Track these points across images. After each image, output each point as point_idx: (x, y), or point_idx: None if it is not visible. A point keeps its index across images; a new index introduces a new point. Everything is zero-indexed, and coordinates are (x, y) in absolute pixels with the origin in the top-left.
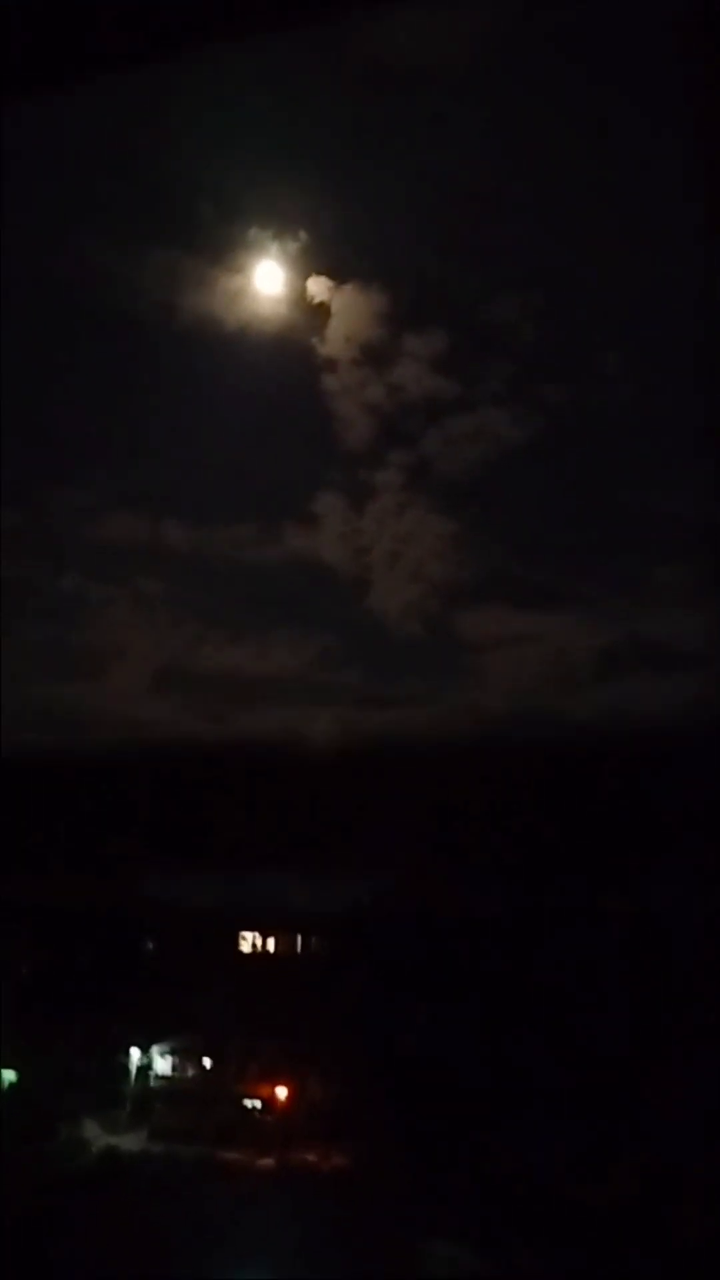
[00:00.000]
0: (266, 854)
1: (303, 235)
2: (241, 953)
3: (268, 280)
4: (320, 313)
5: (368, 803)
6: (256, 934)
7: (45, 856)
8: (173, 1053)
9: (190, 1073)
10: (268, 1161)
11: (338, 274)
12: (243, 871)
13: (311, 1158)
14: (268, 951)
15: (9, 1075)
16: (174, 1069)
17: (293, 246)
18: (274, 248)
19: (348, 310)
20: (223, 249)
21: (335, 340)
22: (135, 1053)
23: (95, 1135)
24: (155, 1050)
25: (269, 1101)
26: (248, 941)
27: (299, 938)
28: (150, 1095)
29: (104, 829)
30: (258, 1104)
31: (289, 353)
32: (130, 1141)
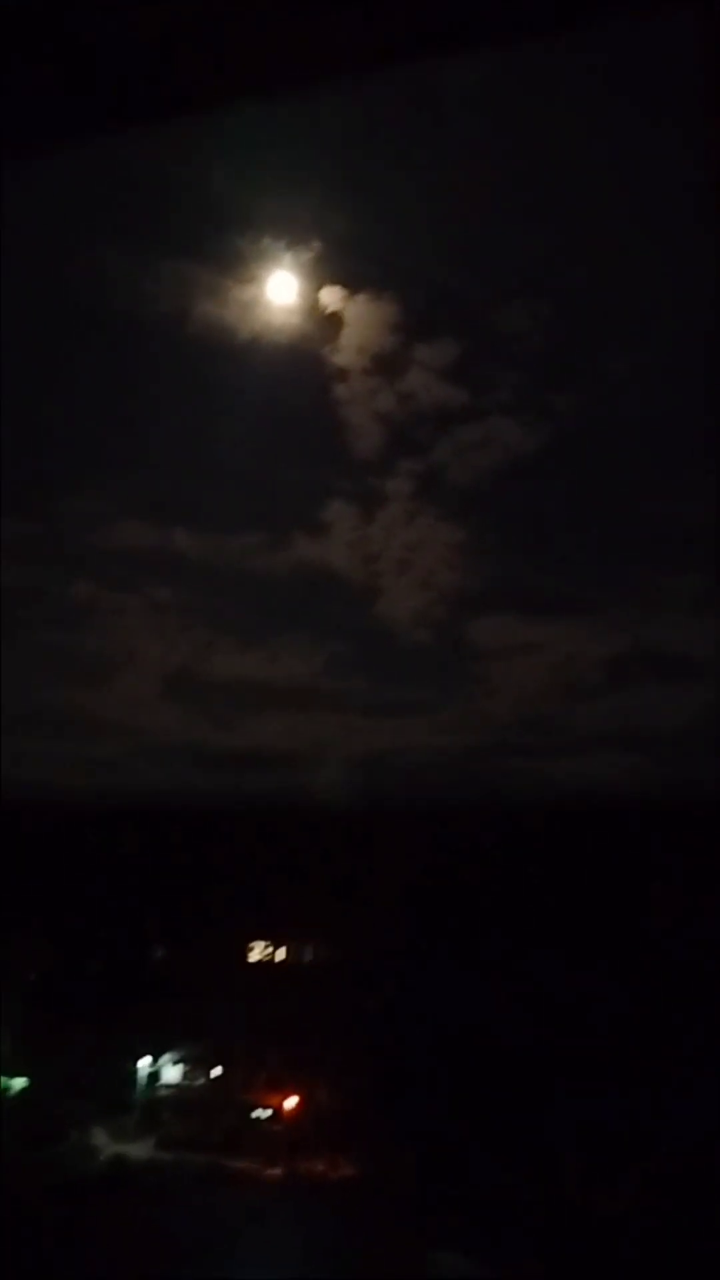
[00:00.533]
0: (273, 871)
1: (315, 245)
2: (250, 962)
3: (280, 290)
4: (332, 322)
5: (376, 819)
6: (265, 943)
7: (54, 871)
8: (181, 1061)
9: (199, 1081)
10: (275, 1170)
11: (350, 284)
12: (250, 887)
13: (319, 1167)
14: (276, 960)
15: (19, 1082)
16: (182, 1077)
17: (305, 257)
18: (287, 258)
19: (360, 320)
20: (235, 259)
21: (347, 350)
22: (144, 1060)
23: (104, 1142)
24: (164, 1058)
25: (277, 1110)
26: (256, 951)
27: (307, 947)
28: (158, 1103)
29: (112, 845)
30: (266, 1113)
31: (301, 362)
32: (138, 1149)
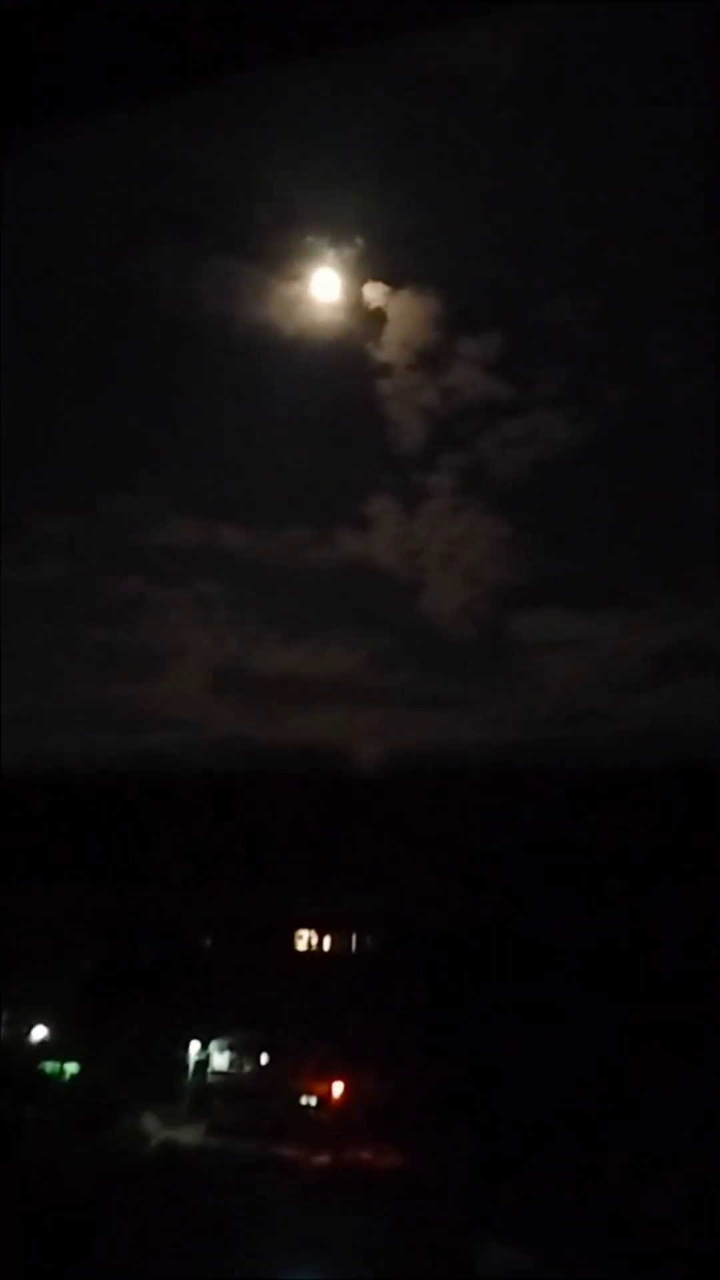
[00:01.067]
0: (322, 859)
1: (359, 241)
2: (298, 950)
3: (324, 287)
4: (376, 318)
5: (424, 809)
6: (312, 932)
7: (101, 857)
8: (230, 1048)
9: (247, 1068)
10: (323, 1158)
11: (394, 279)
12: (299, 875)
13: (366, 1155)
14: (323, 950)
15: (71, 1067)
16: (231, 1064)
17: (349, 253)
18: (330, 254)
19: (403, 315)
20: (280, 257)
21: (391, 345)
22: (194, 1047)
23: (154, 1128)
24: (213, 1045)
25: (325, 1098)
26: (303, 940)
27: (354, 936)
28: (208, 1090)
29: (157, 835)
30: (313, 1100)
31: (345, 358)
32: (188, 1135)
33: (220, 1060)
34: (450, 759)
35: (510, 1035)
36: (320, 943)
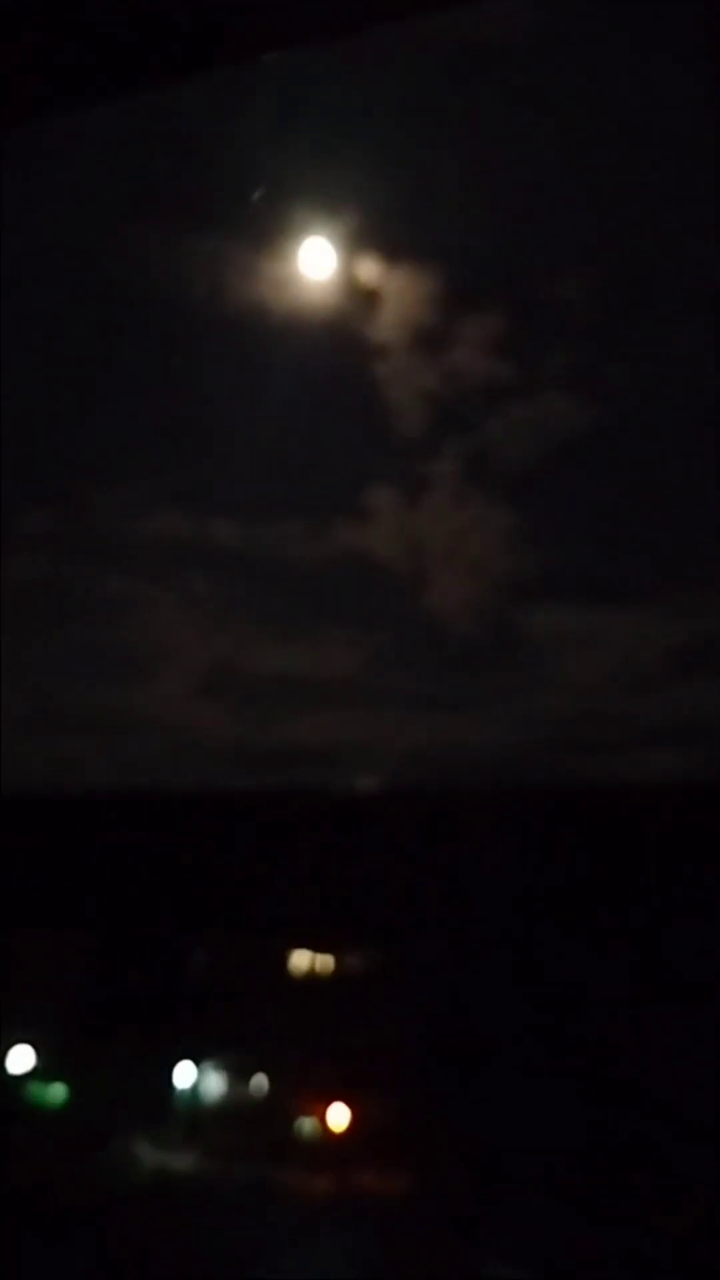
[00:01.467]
0: (317, 872)
1: (352, 218)
2: (294, 969)
3: (316, 266)
4: (371, 297)
5: (426, 820)
6: (310, 950)
7: (90, 873)
8: (225, 1070)
9: (242, 1091)
10: (322, 1181)
11: (389, 257)
12: (294, 892)
13: (368, 1178)
14: (321, 968)
15: (60, 1090)
16: (226, 1086)
17: (342, 230)
18: (322, 230)
19: (400, 294)
20: (269, 234)
21: (387, 326)
22: (188, 1070)
23: (147, 1153)
24: (207, 1067)
25: (322, 1120)
26: (301, 958)
27: (353, 954)
28: (202, 1113)
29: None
30: (311, 1122)
31: (339, 340)
32: (182, 1159)
33: (215, 1082)
34: (456, 764)
35: (515, 1054)
36: (318, 961)
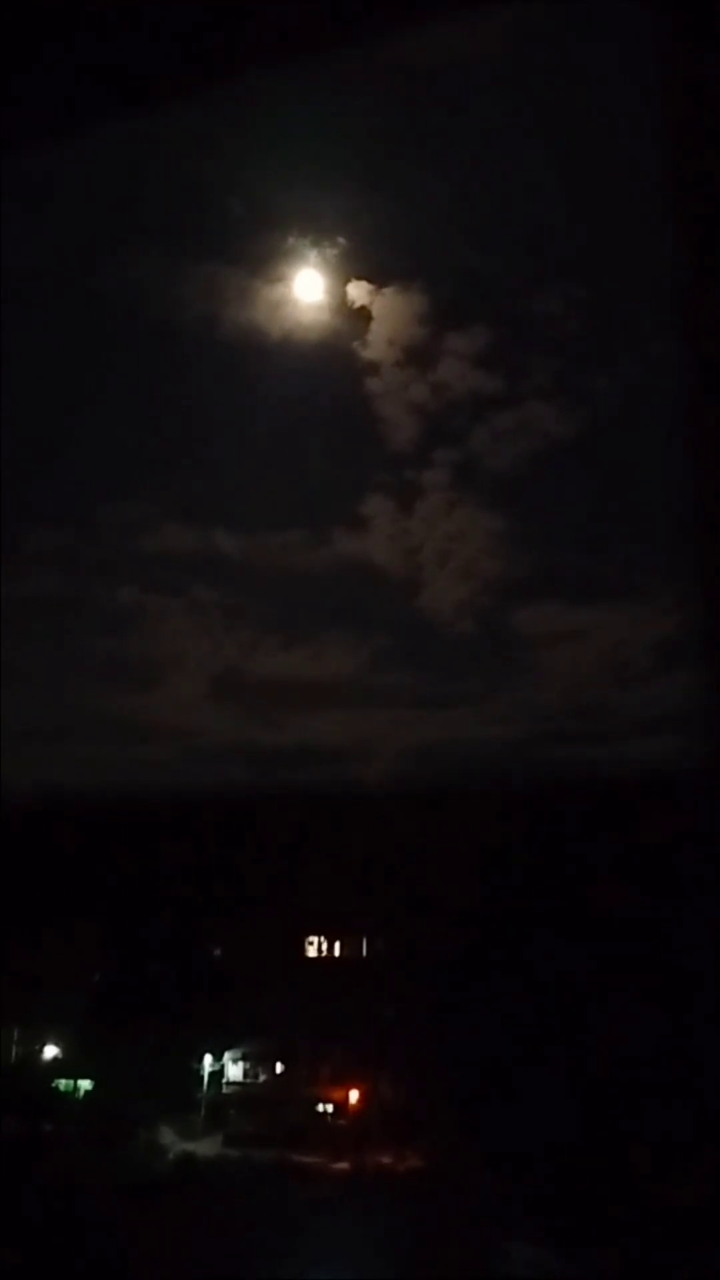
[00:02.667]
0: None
1: (340, 241)
2: (308, 956)
3: (308, 288)
4: (361, 317)
5: (430, 809)
6: (322, 938)
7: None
8: (244, 1058)
9: (262, 1077)
10: (343, 1164)
11: (377, 277)
12: (306, 881)
13: (387, 1160)
14: (334, 955)
15: (85, 1083)
16: (245, 1074)
17: (331, 253)
18: (312, 255)
19: (388, 313)
20: (262, 259)
21: (377, 343)
22: (207, 1059)
23: (171, 1141)
24: (227, 1056)
25: (341, 1104)
26: (314, 945)
27: (364, 940)
28: (223, 1101)
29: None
30: (330, 1107)
31: (331, 359)
32: (206, 1146)
33: (234, 1070)
34: (457, 758)
35: (528, 1035)
36: (331, 948)
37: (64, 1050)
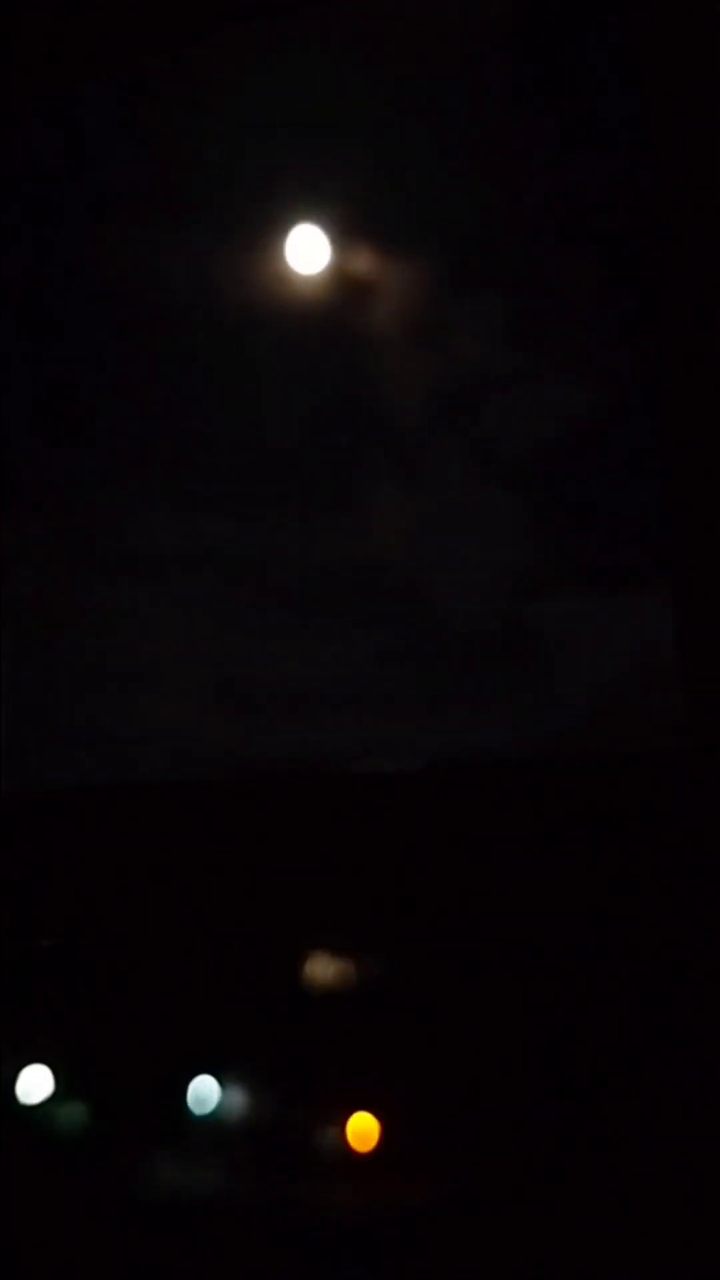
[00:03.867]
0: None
1: (342, 207)
2: (311, 974)
3: (307, 259)
4: (363, 288)
5: (438, 820)
6: (324, 955)
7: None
8: (245, 1084)
9: (265, 1104)
10: (349, 1193)
11: (380, 246)
12: (307, 898)
13: (395, 1189)
14: (338, 972)
15: (79, 1111)
16: (246, 1099)
17: (332, 220)
18: (312, 223)
19: (393, 283)
20: (256, 228)
21: (381, 316)
22: (208, 1085)
23: (169, 1169)
24: (227, 1082)
25: (348, 1129)
26: (316, 965)
27: (370, 957)
28: (224, 1127)
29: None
30: (336, 1134)
31: (332, 333)
32: (205, 1175)
33: (234, 1096)
34: (467, 760)
35: (539, 1054)
36: (332, 967)
37: (55, 1075)
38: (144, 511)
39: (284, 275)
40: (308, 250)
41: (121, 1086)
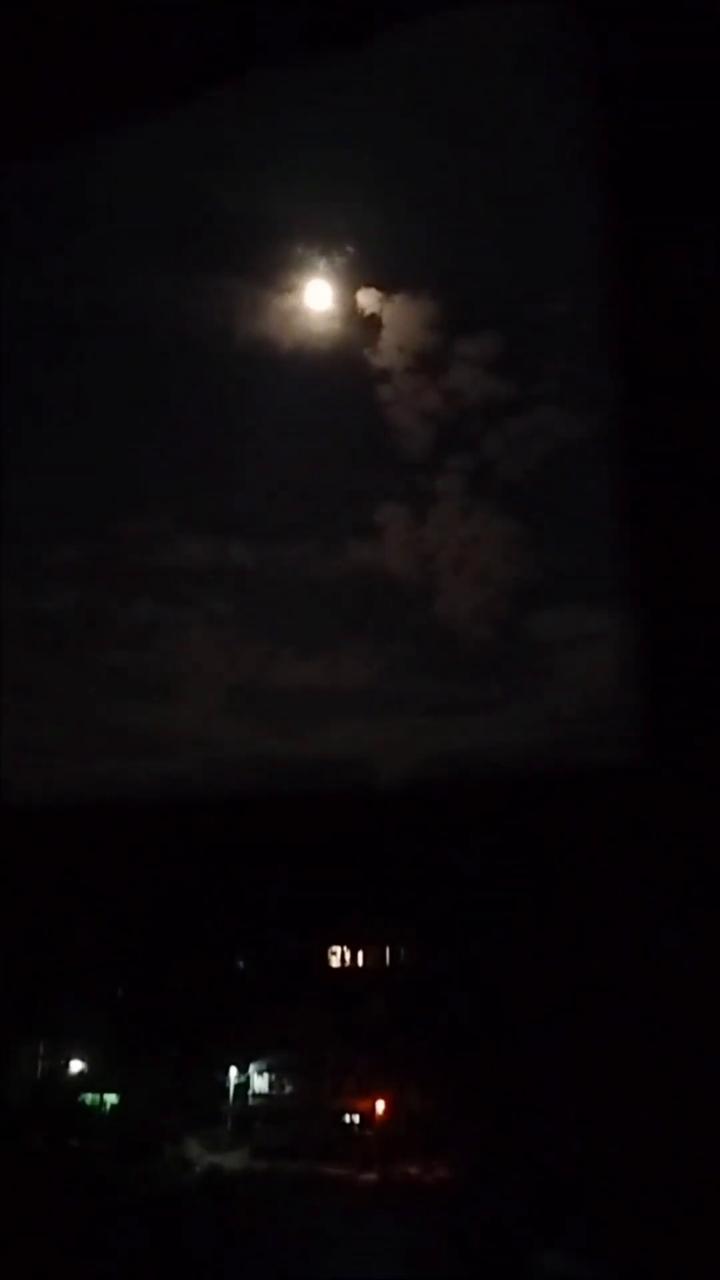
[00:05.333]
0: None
1: (349, 249)
2: (332, 966)
3: (318, 297)
4: (371, 324)
5: (451, 817)
6: (345, 947)
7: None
8: (269, 1070)
9: (288, 1089)
10: (370, 1175)
11: (387, 284)
12: (328, 891)
13: (414, 1170)
14: (358, 964)
15: (111, 1098)
16: (271, 1086)
17: (340, 261)
18: (322, 264)
19: (399, 320)
20: (272, 270)
21: (388, 351)
22: (233, 1071)
23: (198, 1154)
24: (252, 1068)
25: (368, 1115)
26: (337, 955)
27: (388, 949)
28: (249, 1113)
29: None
30: (357, 1118)
31: (343, 367)
32: (233, 1159)
33: (260, 1082)
34: (477, 765)
35: (556, 1042)
36: (355, 958)
37: (90, 1065)
38: (172, 534)
39: (300, 313)
40: (321, 290)
41: (152, 1075)
